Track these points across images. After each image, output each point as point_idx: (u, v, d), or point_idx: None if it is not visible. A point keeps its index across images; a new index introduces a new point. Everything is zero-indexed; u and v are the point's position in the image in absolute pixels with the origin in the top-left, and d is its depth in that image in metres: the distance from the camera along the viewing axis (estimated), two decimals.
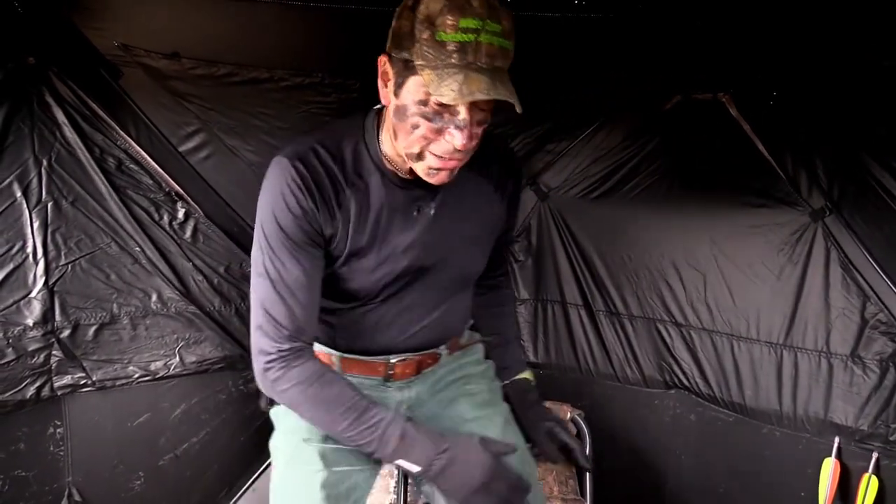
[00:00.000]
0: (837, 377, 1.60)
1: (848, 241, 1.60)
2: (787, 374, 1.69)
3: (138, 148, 1.75)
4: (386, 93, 1.25)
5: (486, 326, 1.66)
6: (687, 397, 1.91)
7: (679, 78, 1.85)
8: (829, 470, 1.56)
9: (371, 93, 1.48)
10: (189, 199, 1.83)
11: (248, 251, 1.86)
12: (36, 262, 1.65)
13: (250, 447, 2.05)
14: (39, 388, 1.68)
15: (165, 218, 1.80)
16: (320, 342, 1.48)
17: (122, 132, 1.73)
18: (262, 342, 1.31)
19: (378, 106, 1.32)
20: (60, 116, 1.62)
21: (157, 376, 1.83)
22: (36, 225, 1.63)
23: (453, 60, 1.15)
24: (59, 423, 1.76)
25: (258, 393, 1.42)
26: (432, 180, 1.27)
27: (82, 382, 1.74)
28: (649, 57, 1.75)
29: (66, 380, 1.72)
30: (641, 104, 1.93)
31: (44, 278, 1.65)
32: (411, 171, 1.30)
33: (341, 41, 1.71)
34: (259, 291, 1.31)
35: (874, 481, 1.49)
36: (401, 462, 1.27)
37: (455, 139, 1.19)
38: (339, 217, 1.31)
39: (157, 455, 1.88)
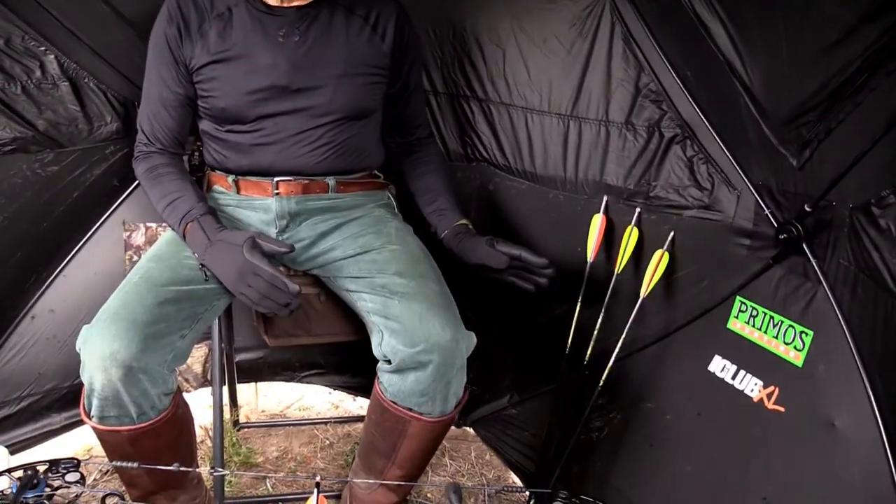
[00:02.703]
0: (613, 143, 1.74)
1: (630, 14, 1.67)
2: (572, 143, 1.82)
3: None
4: None
5: (416, 188, 1.85)
6: (486, 169, 2.03)
7: None
8: (597, 224, 1.74)
9: None
10: None
11: (30, 24, 1.73)
12: None
13: (56, 234, 2.00)
14: None
15: None
16: (216, 167, 1.74)
17: None
18: (136, 140, 1.73)
19: None
20: None
21: None
22: None
23: None
24: None
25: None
26: (290, 3, 1.54)
27: None
28: None
29: None
30: None
31: None
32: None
33: None
34: (140, 102, 1.71)
35: (635, 232, 1.69)
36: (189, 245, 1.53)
37: None
38: (199, 41, 1.57)
39: None
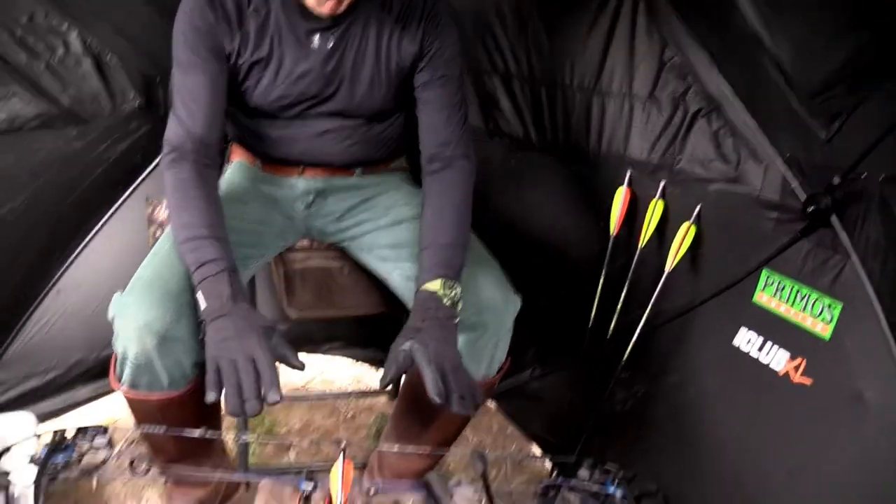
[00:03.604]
0: (637, 117, 1.73)
1: None
2: (595, 117, 1.81)
3: None
4: None
5: (422, 225, 1.52)
6: (508, 144, 2.03)
7: None
8: (620, 198, 1.74)
9: None
10: None
11: (52, 0, 1.73)
12: None
13: (80, 210, 2.02)
14: None
15: None
16: (245, 144, 1.71)
17: None
18: (165, 137, 1.49)
19: None
20: None
21: None
22: None
23: None
24: None
25: None
26: (322, 10, 1.40)
27: None
28: None
29: None
30: None
31: None
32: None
33: None
34: (172, 98, 1.51)
35: (660, 204, 1.69)
36: (199, 296, 1.33)
37: None
38: (238, 35, 1.47)
39: None
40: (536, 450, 2.24)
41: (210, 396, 1.19)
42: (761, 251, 1.54)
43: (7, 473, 1.11)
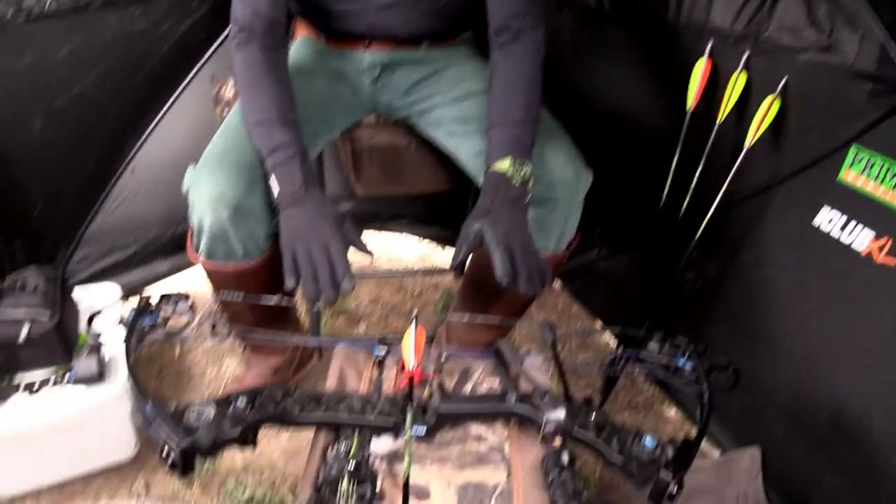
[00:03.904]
0: None
1: None
2: None
3: None
4: None
5: (490, 101, 1.47)
6: (579, 15, 1.93)
7: None
8: (700, 70, 1.65)
9: None
10: None
11: None
12: None
13: (149, 89, 2.04)
14: None
15: None
16: (309, 20, 1.68)
17: None
18: (232, 16, 1.42)
19: None
20: None
21: (32, 16, 1.71)
22: None
23: None
24: None
25: None
26: None
27: None
28: None
29: None
30: None
31: None
32: None
33: None
34: None
35: (742, 76, 1.59)
36: (272, 181, 1.32)
37: None
38: None
39: (51, 97, 1.84)
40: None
41: (289, 283, 1.22)
42: (851, 126, 1.45)
43: (98, 335, 1.17)
